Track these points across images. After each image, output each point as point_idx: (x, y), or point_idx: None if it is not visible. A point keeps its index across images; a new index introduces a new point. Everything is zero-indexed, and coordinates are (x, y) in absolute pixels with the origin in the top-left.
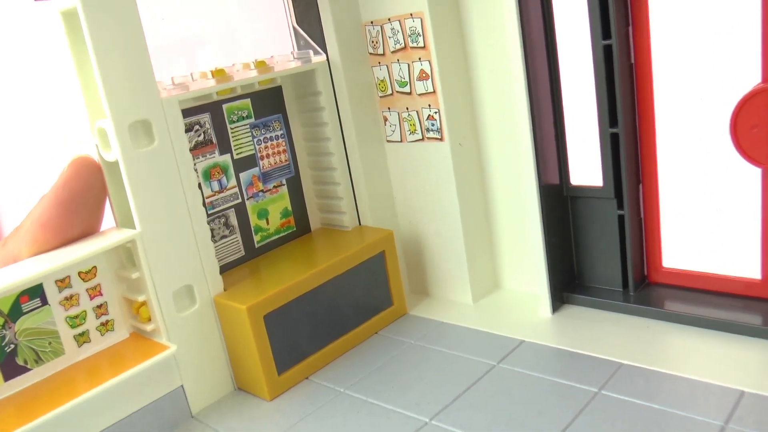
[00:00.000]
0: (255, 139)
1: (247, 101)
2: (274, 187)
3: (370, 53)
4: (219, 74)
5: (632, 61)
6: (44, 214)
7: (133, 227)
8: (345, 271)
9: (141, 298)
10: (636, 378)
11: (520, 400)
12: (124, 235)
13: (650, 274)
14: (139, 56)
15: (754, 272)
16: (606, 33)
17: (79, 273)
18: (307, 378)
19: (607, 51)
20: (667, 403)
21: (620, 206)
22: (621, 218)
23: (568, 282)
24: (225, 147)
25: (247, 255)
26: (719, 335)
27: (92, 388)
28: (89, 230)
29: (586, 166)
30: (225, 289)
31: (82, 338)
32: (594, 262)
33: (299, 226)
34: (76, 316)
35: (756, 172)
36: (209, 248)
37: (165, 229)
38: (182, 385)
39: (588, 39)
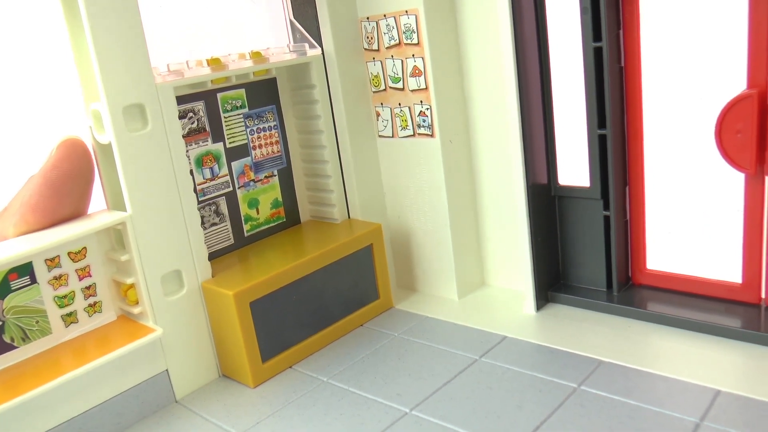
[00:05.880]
0: (248, 129)
1: (242, 91)
2: (266, 177)
3: (365, 49)
4: (214, 63)
5: (622, 64)
6: (34, 195)
7: (124, 210)
8: (332, 263)
9: (129, 281)
10: (615, 375)
11: (500, 394)
12: (114, 217)
13: (634, 276)
14: (135, 40)
15: (735, 276)
16: (597, 35)
17: (69, 253)
18: (290, 367)
19: (598, 53)
20: (645, 399)
21: (606, 207)
22: (607, 219)
23: (553, 281)
24: (218, 135)
25: (236, 243)
26: (699, 336)
27: (77, 367)
28: (78, 212)
29: (574, 167)
30: (213, 276)
31: (69, 318)
32: (579, 261)
33: (289, 217)
34: (65, 296)
35: (740, 177)
36: (199, 234)
37: (155, 212)
38: (167, 370)
39: (579, 41)
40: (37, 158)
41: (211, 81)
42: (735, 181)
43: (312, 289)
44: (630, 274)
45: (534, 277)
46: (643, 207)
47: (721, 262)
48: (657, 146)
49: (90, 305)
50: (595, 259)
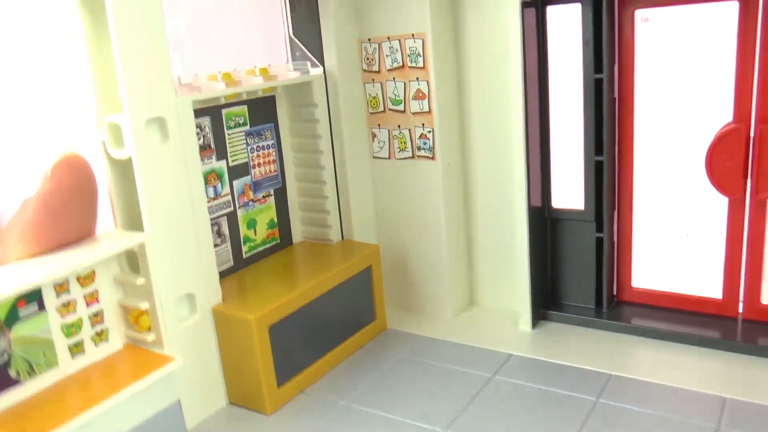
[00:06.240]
0: (249, 147)
1: (244, 108)
2: (263, 197)
3: (364, 70)
4: (227, 78)
5: (615, 95)
6: (34, 220)
7: (138, 229)
8: (338, 284)
9: (144, 306)
10: (627, 387)
11: (527, 410)
12: (132, 237)
13: (619, 293)
14: (160, 49)
15: (716, 293)
16: (597, 67)
17: (78, 278)
18: (302, 391)
19: (598, 84)
20: (662, 409)
21: (599, 229)
22: (599, 240)
23: (545, 299)
24: (221, 153)
25: (236, 265)
26: (685, 348)
27: (91, 406)
28: (83, 233)
29: (568, 191)
30: (223, 300)
31: (76, 349)
32: (570, 280)
33: (283, 238)
34: (72, 325)
35: (723, 201)
36: (211, 255)
37: (173, 233)
38: (179, 400)
39: (579, 72)
40: (34, 177)
41: (225, 97)
42: (718, 205)
43: (320, 311)
44: (615, 292)
45: (530, 297)
46: (630, 229)
47: (702, 280)
48: (645, 172)
49: (97, 333)
50: (586, 278)
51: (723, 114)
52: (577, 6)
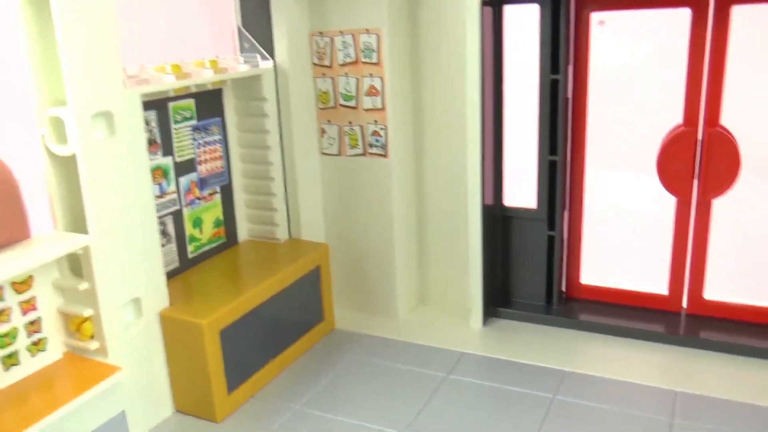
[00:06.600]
0: (196, 142)
1: (191, 102)
2: (209, 194)
3: (315, 64)
4: (177, 70)
5: (569, 95)
6: None
7: (81, 231)
8: (288, 285)
9: (87, 313)
10: (581, 383)
11: (485, 410)
12: (76, 240)
13: (569, 290)
14: (109, 40)
15: (662, 288)
16: (554, 68)
17: (13, 284)
18: (253, 396)
19: (554, 85)
20: (618, 404)
21: (551, 227)
22: (551, 238)
23: (496, 296)
24: (168, 148)
25: (181, 266)
26: (633, 342)
27: (27, 426)
28: (13, 237)
29: (520, 189)
30: (171, 303)
31: (10, 360)
32: (520, 277)
33: (229, 237)
34: (6, 335)
35: (671, 200)
36: (158, 258)
37: (119, 234)
38: (123, 411)
39: (535, 72)
40: None
41: (174, 90)
42: (666, 205)
43: (269, 313)
44: (564, 289)
45: (482, 294)
46: (580, 227)
47: (649, 276)
48: (596, 172)
49: (33, 343)
50: (536, 275)
51: (674, 117)
52: (535, 6)
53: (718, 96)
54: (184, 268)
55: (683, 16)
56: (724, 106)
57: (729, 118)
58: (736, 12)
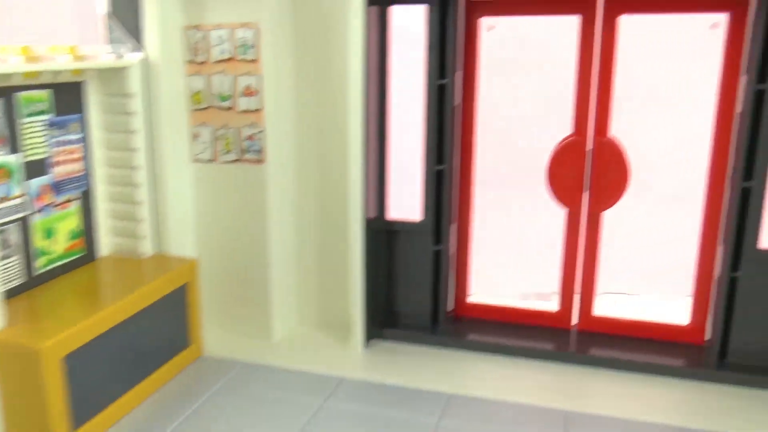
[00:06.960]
0: (52, 140)
1: (47, 93)
2: (66, 201)
3: (189, 60)
4: (26, 53)
5: (457, 102)
6: None
7: None
8: (149, 305)
9: None
10: (468, 406)
11: None
12: None
13: (457, 308)
14: None
15: (553, 305)
16: (442, 73)
17: None
18: (106, 431)
19: (441, 90)
20: (506, 427)
21: (437, 242)
22: (437, 253)
23: (379, 316)
24: (14, 145)
25: (27, 282)
26: (522, 362)
27: None
28: None
29: (404, 201)
30: (7, 326)
31: None
32: (405, 295)
33: (89, 250)
34: None
35: (560, 214)
36: None
37: None
38: None
39: (421, 77)
40: None
41: (23, 75)
42: (555, 217)
43: (125, 336)
44: (452, 307)
45: (364, 314)
46: (468, 241)
47: (539, 292)
48: (485, 182)
49: None
50: (422, 292)
51: (565, 126)
52: (423, 8)
53: (606, 105)
54: (32, 285)
55: (572, 23)
56: (613, 115)
57: (618, 127)
58: (624, 21)
